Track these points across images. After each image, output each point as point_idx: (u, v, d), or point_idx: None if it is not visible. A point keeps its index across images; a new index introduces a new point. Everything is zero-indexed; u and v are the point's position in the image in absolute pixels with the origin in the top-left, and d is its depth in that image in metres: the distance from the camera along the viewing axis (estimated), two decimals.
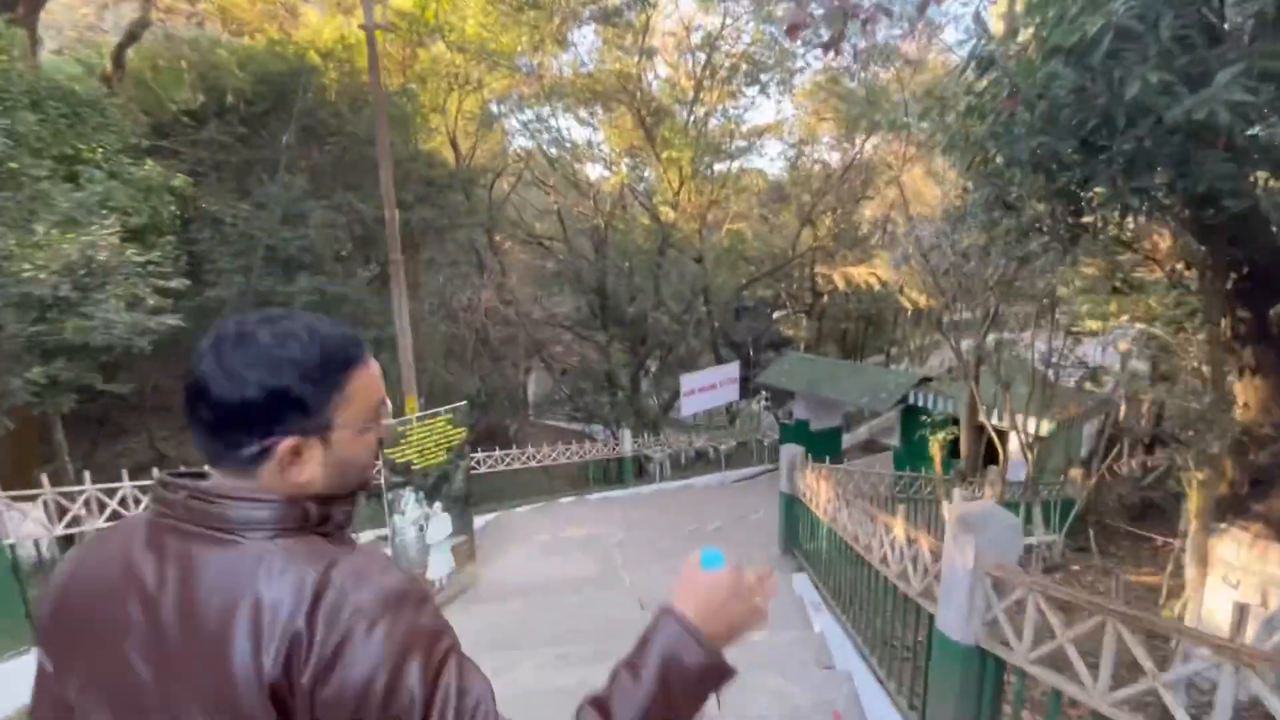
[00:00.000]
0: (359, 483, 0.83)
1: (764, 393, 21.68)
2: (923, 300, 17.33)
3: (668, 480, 13.82)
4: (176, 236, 7.82)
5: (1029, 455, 8.50)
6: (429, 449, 5.94)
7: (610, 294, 18.06)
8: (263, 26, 11.08)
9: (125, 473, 5.59)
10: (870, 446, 18.86)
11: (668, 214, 15.17)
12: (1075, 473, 10.44)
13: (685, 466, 15.23)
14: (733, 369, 15.01)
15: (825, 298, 19.89)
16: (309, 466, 0.76)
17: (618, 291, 17.62)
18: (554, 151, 17.16)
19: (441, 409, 6.06)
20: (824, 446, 16.31)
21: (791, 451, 6.63)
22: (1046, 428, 10.70)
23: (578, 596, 6.05)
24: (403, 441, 5.68)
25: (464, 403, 6.32)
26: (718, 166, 18.03)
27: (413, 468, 5.79)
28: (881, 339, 25.11)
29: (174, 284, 6.47)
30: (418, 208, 10.34)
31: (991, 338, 10.18)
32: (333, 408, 0.76)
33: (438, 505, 6.05)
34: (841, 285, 16.98)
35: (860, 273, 16.48)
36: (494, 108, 16.88)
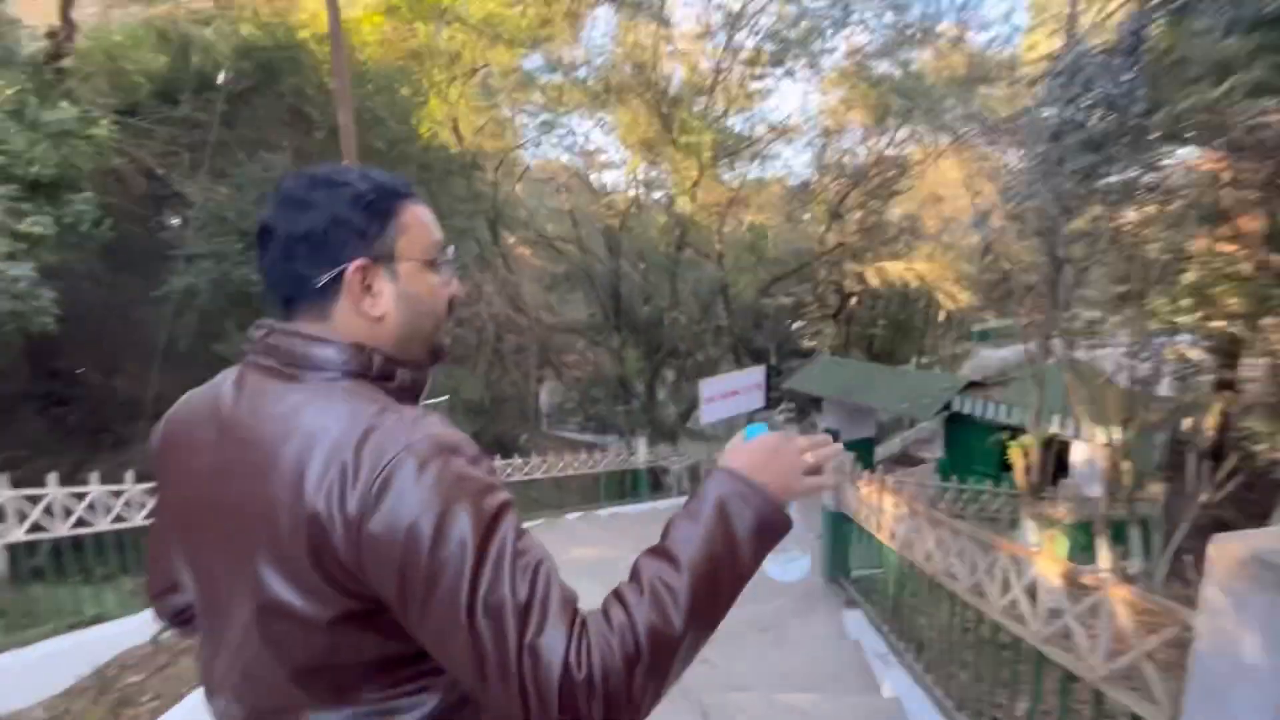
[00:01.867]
0: (431, 333, 0.82)
1: (786, 402, 20.48)
2: (963, 298, 16.15)
3: (686, 494, 12.66)
4: (144, 217, 6.98)
5: (1118, 465, 7.21)
6: None
7: (624, 297, 17.07)
8: (254, 4, 10.33)
9: (95, 475, 5.00)
10: (905, 460, 17.51)
11: (685, 205, 14.16)
12: (1155, 488, 9.13)
13: (703, 479, 14.04)
14: (757, 374, 13.83)
15: (853, 300, 18.67)
16: (382, 298, 0.76)
17: (632, 294, 16.62)
18: (564, 147, 16.37)
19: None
20: (848, 453, 15.08)
21: (838, 463, 5.49)
22: (1115, 436, 9.42)
23: None
24: None
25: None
26: (739, 163, 17.02)
27: None
28: (910, 346, 23.78)
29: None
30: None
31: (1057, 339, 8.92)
32: (391, 236, 0.77)
33: None
34: (875, 282, 15.78)
35: (897, 268, 15.29)
36: (504, 107, 16.11)
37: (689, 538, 0.72)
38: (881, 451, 16.70)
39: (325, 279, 0.74)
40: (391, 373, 0.76)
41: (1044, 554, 2.16)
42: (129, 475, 5.40)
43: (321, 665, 0.68)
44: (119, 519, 5.12)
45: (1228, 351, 10.22)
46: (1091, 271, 8.31)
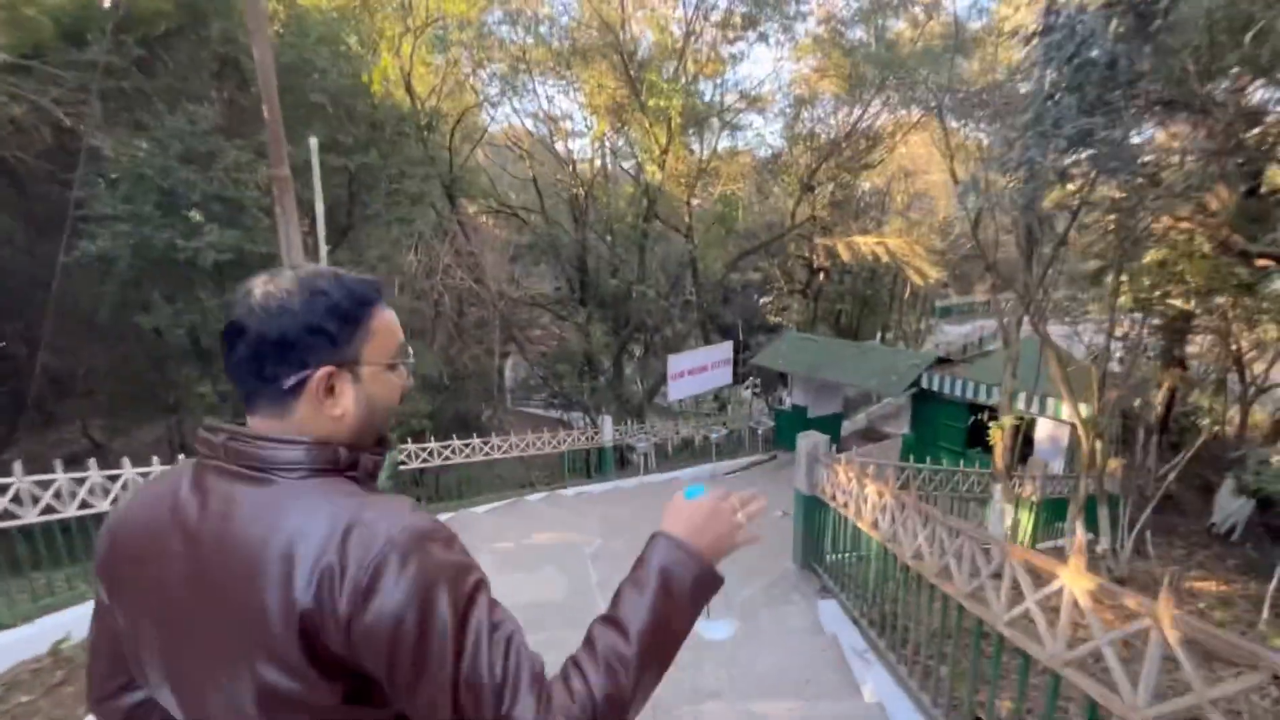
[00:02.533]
0: (384, 423, 0.87)
1: (753, 378, 20.38)
2: (932, 274, 16.13)
3: (653, 472, 12.41)
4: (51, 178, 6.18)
5: (1088, 442, 7.15)
6: None
7: (591, 269, 16.53)
8: None
9: (59, 463, 4.51)
10: (870, 435, 17.62)
11: (654, 174, 13.62)
12: (1114, 464, 9.23)
13: (671, 456, 13.84)
14: (725, 350, 13.61)
15: (821, 276, 18.51)
16: (342, 400, 0.80)
17: (599, 266, 16.09)
18: (527, 113, 15.58)
19: None
20: (822, 435, 15.04)
21: (812, 440, 5.22)
22: (1085, 414, 9.46)
23: (542, 635, 4.60)
24: None
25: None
26: (709, 133, 16.48)
27: None
28: (876, 322, 23.92)
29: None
30: (359, 152, 8.69)
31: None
32: (359, 342, 0.81)
33: None
34: (846, 256, 15.58)
35: (867, 242, 15.10)
36: (463, 65, 15.15)
37: (637, 607, 0.81)
38: (847, 426, 16.75)
39: (292, 381, 0.77)
40: (355, 462, 0.80)
41: (1072, 567, 1.87)
42: (57, 463, 4.77)
43: None
44: (48, 510, 4.49)
45: (1177, 330, 10.38)
46: (1065, 249, 8.21)
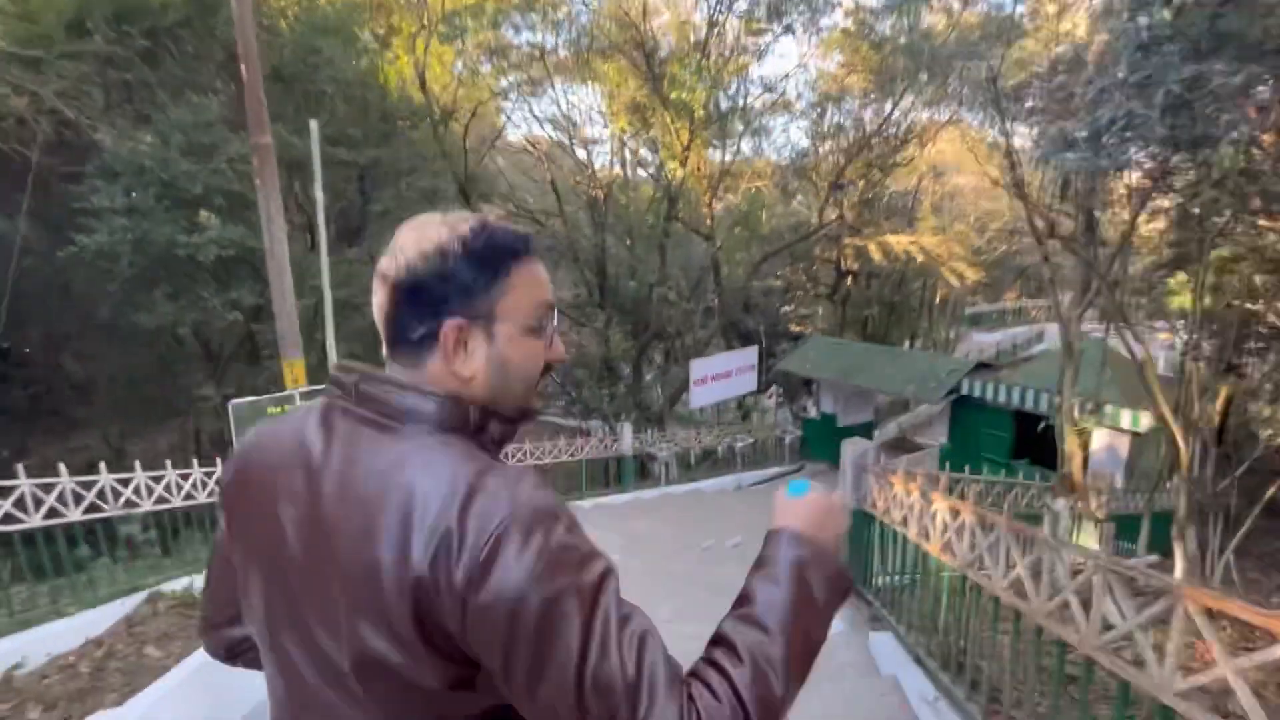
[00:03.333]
0: (523, 396, 0.79)
1: (776, 386, 19.68)
2: (970, 275, 15.37)
3: (674, 483, 11.82)
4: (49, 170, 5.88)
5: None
6: None
7: (610, 273, 16.07)
8: None
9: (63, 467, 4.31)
10: (902, 445, 16.80)
11: (675, 171, 13.12)
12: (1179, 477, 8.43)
13: (693, 467, 13.24)
14: (750, 355, 13.01)
15: (849, 280, 17.82)
16: (474, 359, 0.75)
17: (619, 270, 15.63)
18: (545, 117, 15.26)
19: None
20: (868, 442, 14.29)
21: (859, 448, 4.62)
22: (1147, 423, 8.69)
23: None
24: None
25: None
26: (731, 133, 15.98)
27: None
28: (904, 329, 23.11)
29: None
30: (369, 145, 8.34)
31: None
32: (495, 296, 0.75)
33: None
34: (878, 257, 14.90)
35: (901, 242, 14.41)
36: (480, 62, 14.88)
37: (774, 603, 0.73)
38: (878, 436, 15.98)
39: (421, 332, 0.73)
40: (485, 425, 0.75)
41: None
42: (62, 467, 4.53)
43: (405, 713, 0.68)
44: (52, 513, 4.26)
45: (1235, 335, 9.56)
46: (1131, 244, 7.52)
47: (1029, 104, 14.22)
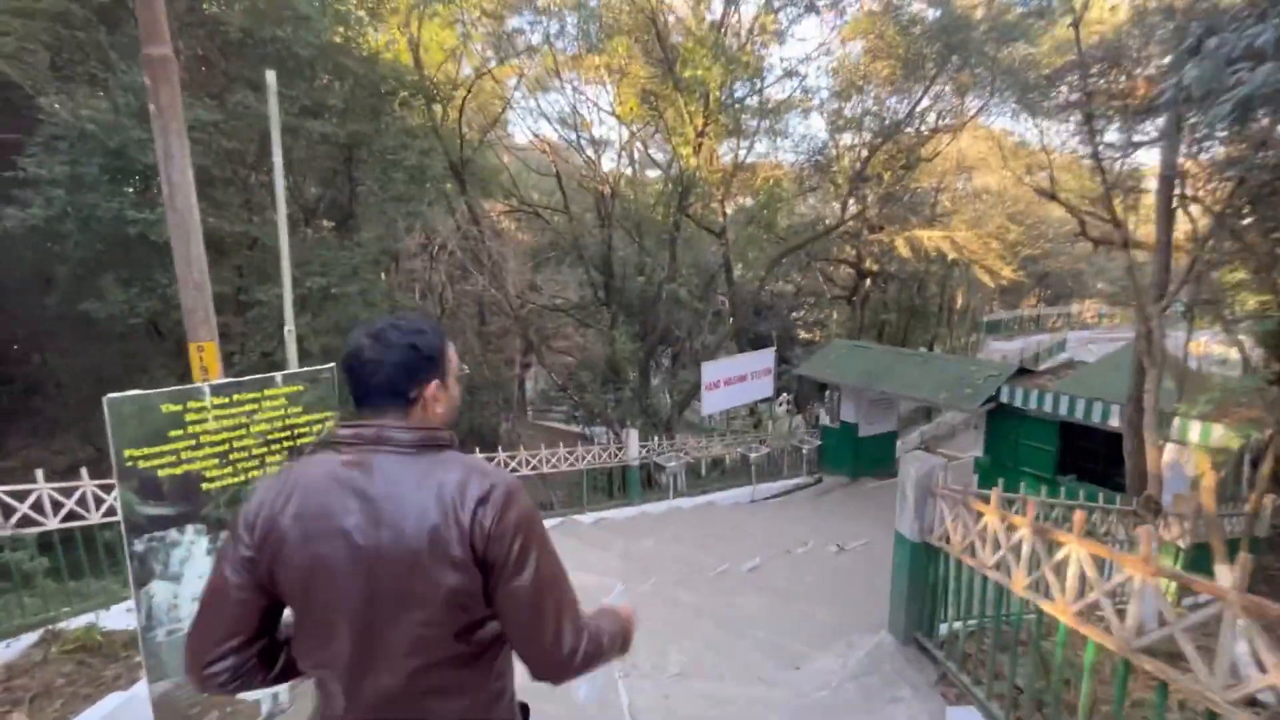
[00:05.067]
0: (455, 419, 1.30)
1: (786, 394, 18.72)
2: (1006, 272, 14.42)
3: (683, 495, 10.89)
4: None
5: (1246, 472, 5.46)
6: (246, 449, 3.08)
7: (617, 271, 15.21)
8: None
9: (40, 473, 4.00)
10: None
11: (689, 158, 12.23)
12: (1269, 499, 7.44)
13: (703, 477, 12.30)
14: (766, 357, 12.09)
15: (868, 282, 16.86)
16: (440, 402, 1.22)
17: (625, 268, 14.77)
18: (550, 109, 14.48)
19: (279, 374, 3.20)
20: (874, 456, 13.31)
21: (925, 466, 3.68)
22: (1220, 436, 7.69)
23: None
24: (177, 433, 2.83)
25: (330, 365, 3.46)
26: (748, 119, 15.10)
27: (203, 486, 2.93)
28: (922, 335, 22.12)
29: None
30: (353, 119, 7.50)
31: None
32: (445, 363, 1.23)
33: None
34: (906, 253, 13.95)
35: (931, 237, 13.47)
36: (477, 42, 14.10)
37: (614, 630, 1.29)
38: (900, 448, 14.99)
39: (414, 394, 1.18)
40: (454, 441, 1.21)
41: None
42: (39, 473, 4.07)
43: (469, 619, 1.09)
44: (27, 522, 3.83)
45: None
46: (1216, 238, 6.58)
47: (1066, 94, 13.29)
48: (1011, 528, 2.73)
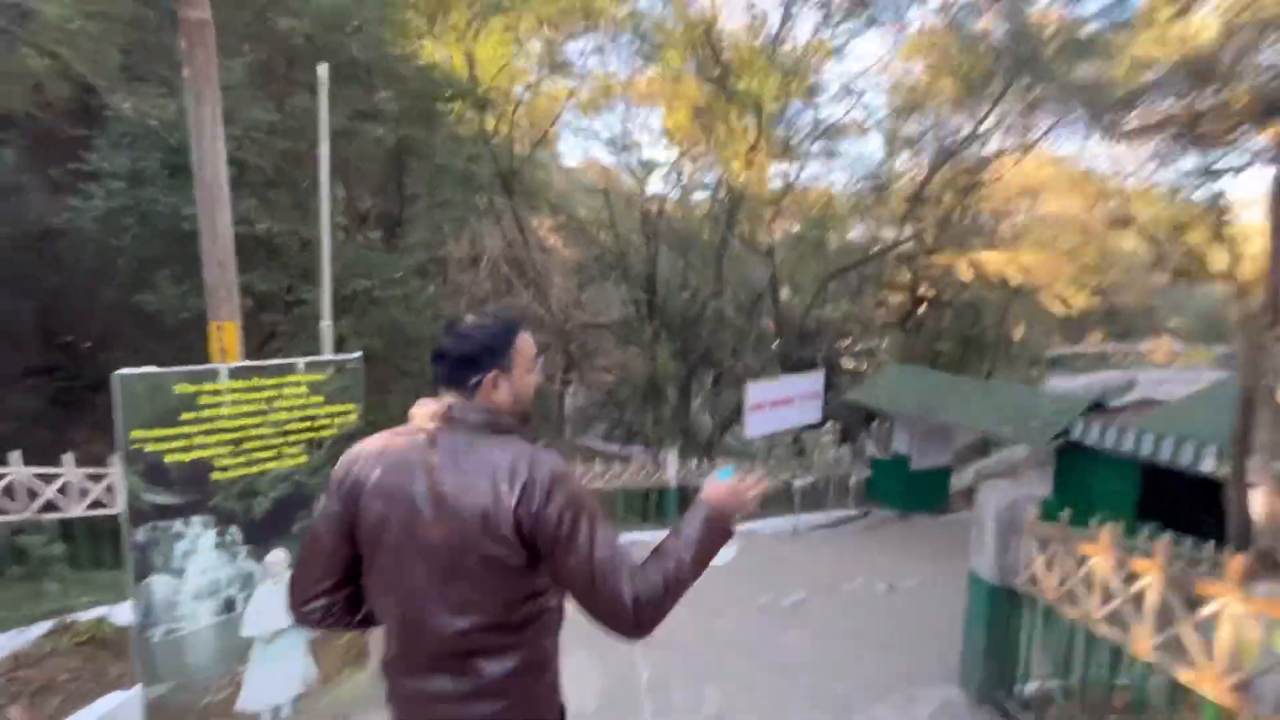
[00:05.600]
0: (527, 408, 1.37)
1: (832, 421, 17.98)
2: (1078, 300, 13.55)
3: None
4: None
5: None
6: (263, 439, 2.88)
7: (660, 288, 14.97)
8: None
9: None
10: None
11: (739, 172, 11.95)
12: None
13: (694, 504, 11.73)
14: (815, 381, 11.55)
15: (922, 308, 16.12)
16: (501, 391, 1.30)
17: (670, 285, 14.51)
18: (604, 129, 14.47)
19: (301, 359, 3.01)
20: (926, 491, 12.53)
21: (1007, 499, 3.22)
22: None
23: None
24: (189, 416, 2.64)
25: (358, 354, 3.25)
26: (799, 142, 14.78)
27: (213, 475, 2.73)
28: (978, 367, 21.00)
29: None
30: (404, 123, 7.54)
31: None
32: (510, 354, 1.32)
33: (277, 557, 2.95)
34: (968, 277, 13.26)
35: (995, 260, 12.76)
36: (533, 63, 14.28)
37: (689, 539, 1.28)
38: (954, 483, 14.10)
39: (474, 382, 1.28)
40: (519, 429, 1.31)
41: None
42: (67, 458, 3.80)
43: (508, 589, 1.20)
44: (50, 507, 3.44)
45: None
46: None
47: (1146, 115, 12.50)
48: (1133, 575, 2.27)
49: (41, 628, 3.58)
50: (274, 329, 7.96)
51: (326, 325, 5.20)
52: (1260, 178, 14.47)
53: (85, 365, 10.29)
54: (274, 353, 7.51)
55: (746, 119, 11.67)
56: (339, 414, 3.13)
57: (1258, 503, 6.76)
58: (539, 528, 1.15)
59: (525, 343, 1.34)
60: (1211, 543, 6.49)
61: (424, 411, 1.28)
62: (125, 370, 2.50)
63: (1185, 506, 8.46)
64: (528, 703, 1.25)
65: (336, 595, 1.32)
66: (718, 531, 1.28)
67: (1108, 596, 2.45)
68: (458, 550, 1.16)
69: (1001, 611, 3.25)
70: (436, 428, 1.24)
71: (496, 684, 1.20)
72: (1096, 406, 9.49)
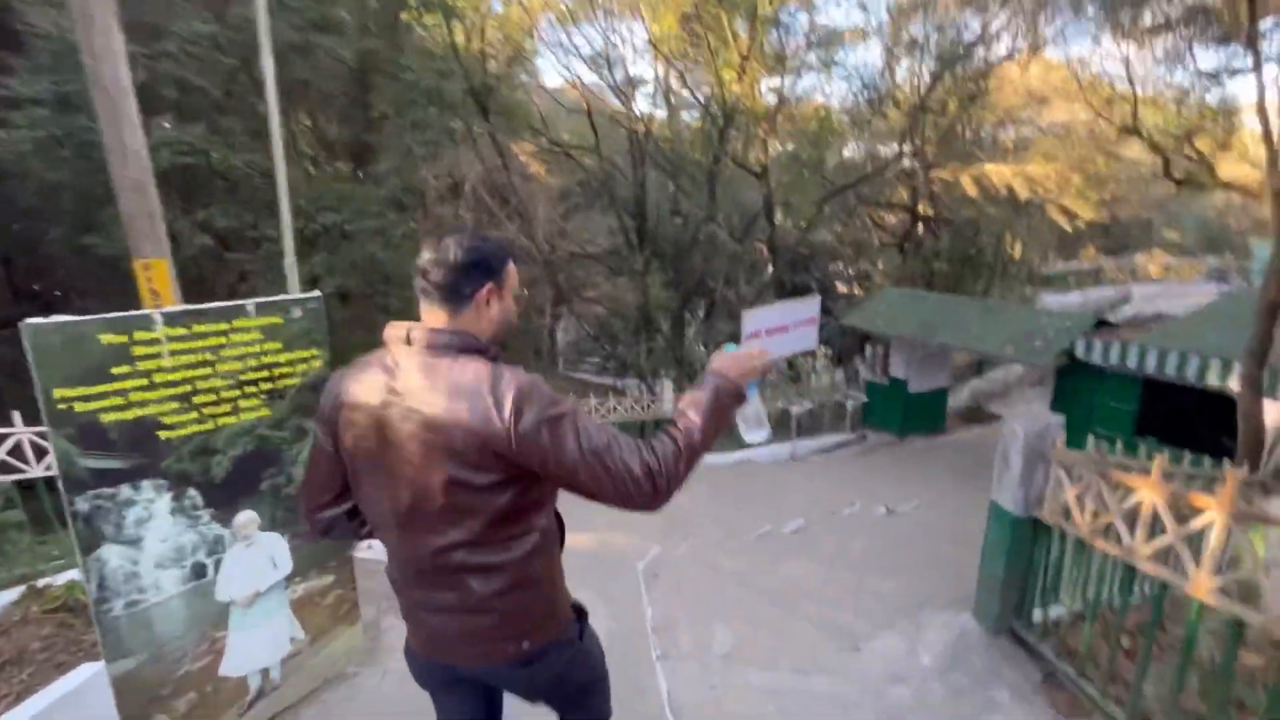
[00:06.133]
0: (507, 333, 1.38)
1: (824, 347, 17.82)
2: (1087, 213, 13.11)
3: (720, 451, 10.34)
4: None
5: None
6: (215, 392, 2.56)
7: (651, 214, 14.34)
8: None
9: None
10: (975, 415, 14.91)
11: (732, 83, 11.13)
12: None
13: (703, 375, 11.70)
14: (811, 306, 11.21)
15: (921, 228, 15.62)
16: (493, 309, 1.32)
17: (659, 211, 13.89)
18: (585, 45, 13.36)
19: (250, 301, 2.64)
20: (923, 414, 12.50)
21: (1036, 427, 2.98)
22: None
23: None
24: (123, 370, 2.31)
25: (316, 294, 2.88)
26: (793, 54, 13.76)
27: (161, 434, 2.42)
28: (974, 287, 20.68)
29: None
30: (365, 36, 6.76)
31: None
32: (503, 276, 1.33)
33: (246, 518, 2.70)
34: (973, 192, 12.74)
35: (1001, 173, 12.21)
36: None
37: (700, 405, 1.29)
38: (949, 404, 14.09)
39: (470, 290, 1.28)
40: (487, 350, 1.29)
41: None
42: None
43: (481, 510, 1.21)
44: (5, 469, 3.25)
45: None
46: None
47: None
48: (1189, 509, 2.05)
49: (9, 595, 3.38)
50: (244, 269, 7.48)
51: (291, 262, 4.78)
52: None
53: (44, 313, 9.77)
54: (248, 293, 7.06)
55: (739, 23, 10.74)
56: (301, 360, 2.80)
57: (1272, 416, 6.67)
58: (521, 446, 1.15)
59: (513, 268, 1.37)
60: (1207, 456, 6.45)
61: (397, 333, 1.27)
62: (36, 320, 2.14)
63: (1184, 421, 8.42)
64: (522, 616, 1.30)
65: (340, 506, 1.40)
66: (727, 395, 1.32)
67: (1153, 533, 2.25)
68: (426, 471, 1.19)
69: (1024, 543, 3.09)
70: (407, 350, 1.25)
71: (487, 601, 1.26)
72: (1100, 324, 9.27)
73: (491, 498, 1.19)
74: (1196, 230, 32.48)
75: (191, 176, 6.05)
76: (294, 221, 7.09)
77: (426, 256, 1.27)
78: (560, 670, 1.39)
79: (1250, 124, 14.53)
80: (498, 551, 1.23)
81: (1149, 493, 2.23)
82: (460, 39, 10.42)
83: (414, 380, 1.20)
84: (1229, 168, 15.34)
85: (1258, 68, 5.61)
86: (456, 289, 1.25)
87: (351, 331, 10.04)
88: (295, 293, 4.41)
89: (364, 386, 1.26)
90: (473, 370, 1.19)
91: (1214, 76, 13.77)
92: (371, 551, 4.88)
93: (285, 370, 2.75)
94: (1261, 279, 5.74)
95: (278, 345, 2.71)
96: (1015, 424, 3.03)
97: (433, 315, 1.27)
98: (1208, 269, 28.81)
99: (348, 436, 1.28)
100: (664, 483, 1.18)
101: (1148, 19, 12.56)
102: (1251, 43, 5.53)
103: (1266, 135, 4.96)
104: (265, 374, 2.70)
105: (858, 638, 4.21)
